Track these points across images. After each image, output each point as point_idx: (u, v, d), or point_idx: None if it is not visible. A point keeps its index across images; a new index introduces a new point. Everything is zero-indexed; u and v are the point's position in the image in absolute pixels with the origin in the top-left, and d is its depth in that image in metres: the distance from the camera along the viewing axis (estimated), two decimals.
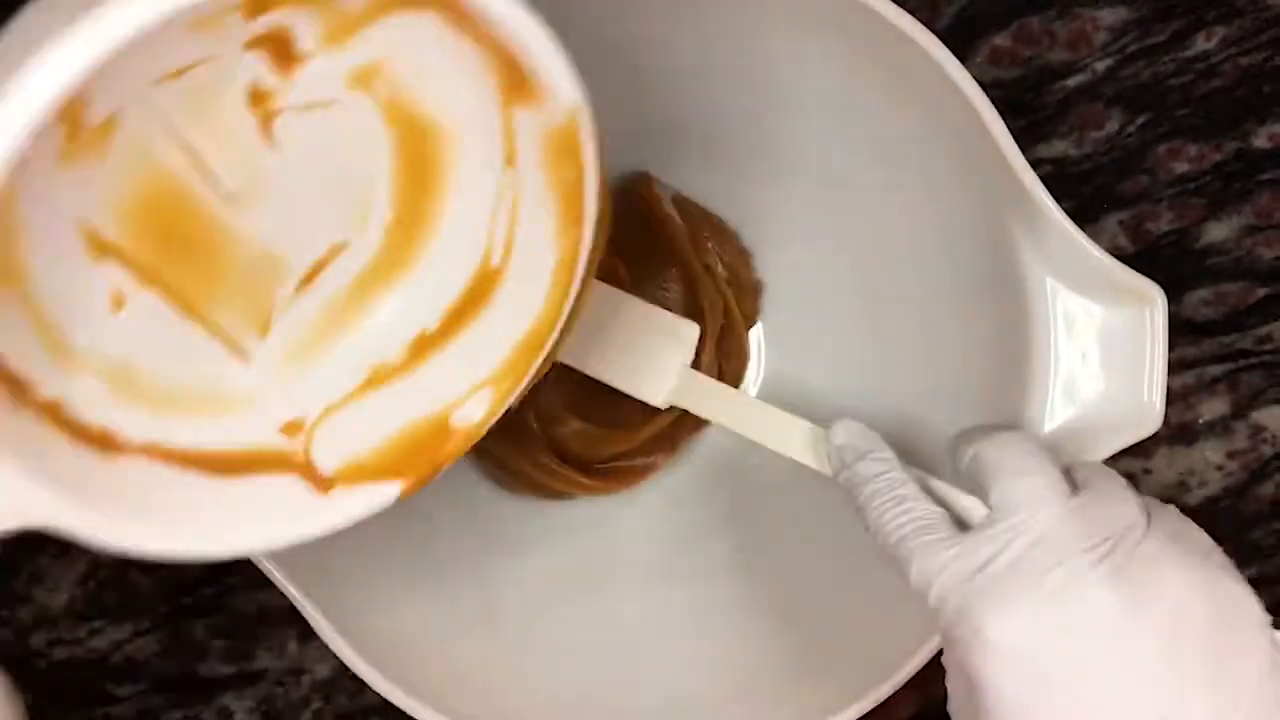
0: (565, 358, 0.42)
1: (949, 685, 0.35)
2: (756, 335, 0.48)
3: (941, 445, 0.43)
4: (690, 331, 0.43)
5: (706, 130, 0.44)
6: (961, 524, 0.35)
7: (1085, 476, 0.34)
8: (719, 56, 0.43)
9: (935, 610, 0.34)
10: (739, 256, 0.46)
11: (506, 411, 0.36)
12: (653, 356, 0.43)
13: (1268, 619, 0.33)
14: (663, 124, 0.44)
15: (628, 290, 0.44)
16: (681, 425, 0.46)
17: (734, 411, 0.42)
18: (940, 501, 0.35)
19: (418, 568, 0.44)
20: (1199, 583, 0.32)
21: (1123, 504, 0.33)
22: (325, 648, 0.39)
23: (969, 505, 0.35)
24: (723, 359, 0.46)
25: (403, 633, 0.42)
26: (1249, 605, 0.32)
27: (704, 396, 0.42)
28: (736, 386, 0.47)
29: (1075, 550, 0.32)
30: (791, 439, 0.40)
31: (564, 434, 0.45)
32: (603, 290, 0.43)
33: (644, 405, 0.44)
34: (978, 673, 0.32)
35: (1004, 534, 0.33)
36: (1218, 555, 0.33)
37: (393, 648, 0.41)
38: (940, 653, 0.39)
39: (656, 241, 0.45)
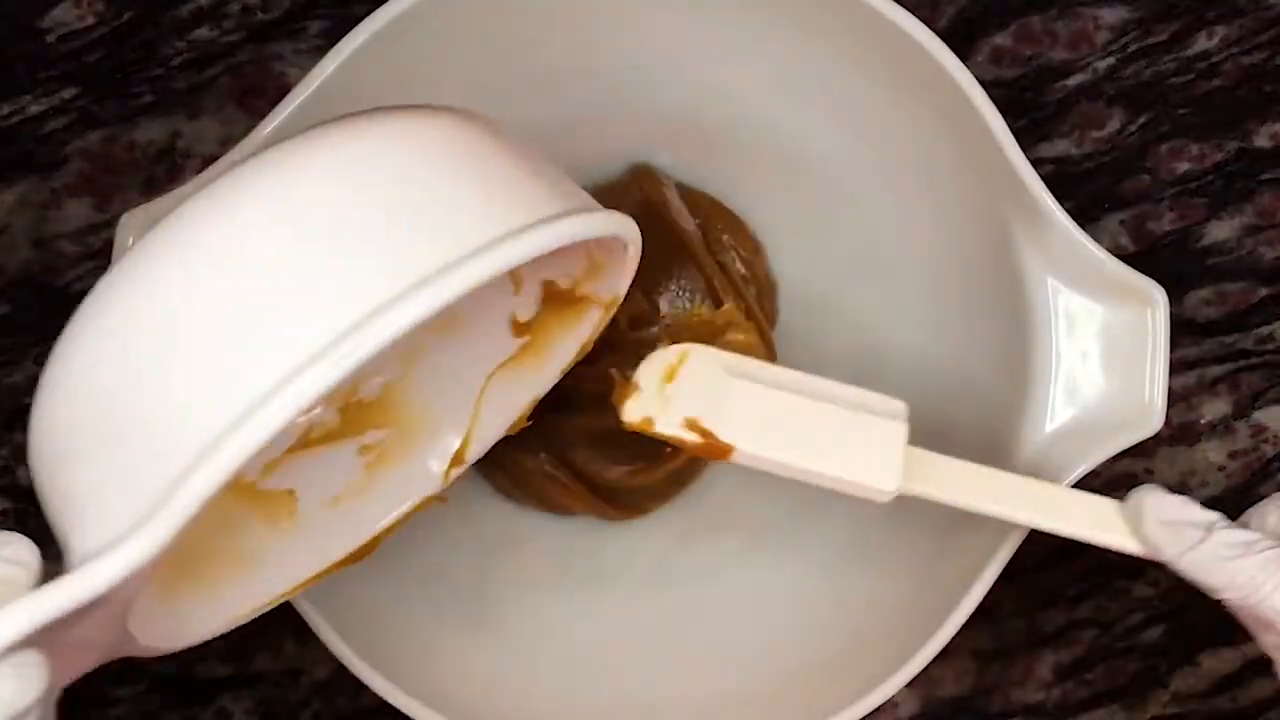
0: (771, 466, 0.37)
1: None
2: None
3: (943, 446, 0.43)
4: (899, 406, 0.37)
5: (707, 128, 0.44)
6: None
7: None
8: (721, 54, 0.43)
9: None
10: (754, 250, 0.45)
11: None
12: (870, 441, 0.37)
13: None
14: (663, 120, 0.44)
15: (642, 300, 0.43)
16: (694, 464, 0.45)
17: (988, 490, 0.37)
18: None
19: (417, 568, 0.43)
20: None
21: None
22: (324, 649, 0.39)
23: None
24: None
25: (402, 633, 0.42)
26: None
27: (943, 477, 0.37)
28: None
29: None
30: (1074, 516, 0.36)
31: (579, 460, 0.44)
32: (795, 380, 0.38)
33: (662, 441, 0.43)
34: None
35: None
36: None
37: (392, 649, 0.41)
38: (943, 652, 0.39)
39: (666, 241, 0.43)
